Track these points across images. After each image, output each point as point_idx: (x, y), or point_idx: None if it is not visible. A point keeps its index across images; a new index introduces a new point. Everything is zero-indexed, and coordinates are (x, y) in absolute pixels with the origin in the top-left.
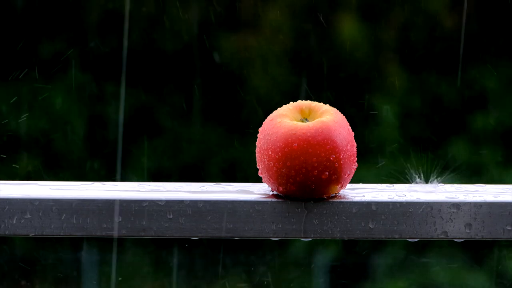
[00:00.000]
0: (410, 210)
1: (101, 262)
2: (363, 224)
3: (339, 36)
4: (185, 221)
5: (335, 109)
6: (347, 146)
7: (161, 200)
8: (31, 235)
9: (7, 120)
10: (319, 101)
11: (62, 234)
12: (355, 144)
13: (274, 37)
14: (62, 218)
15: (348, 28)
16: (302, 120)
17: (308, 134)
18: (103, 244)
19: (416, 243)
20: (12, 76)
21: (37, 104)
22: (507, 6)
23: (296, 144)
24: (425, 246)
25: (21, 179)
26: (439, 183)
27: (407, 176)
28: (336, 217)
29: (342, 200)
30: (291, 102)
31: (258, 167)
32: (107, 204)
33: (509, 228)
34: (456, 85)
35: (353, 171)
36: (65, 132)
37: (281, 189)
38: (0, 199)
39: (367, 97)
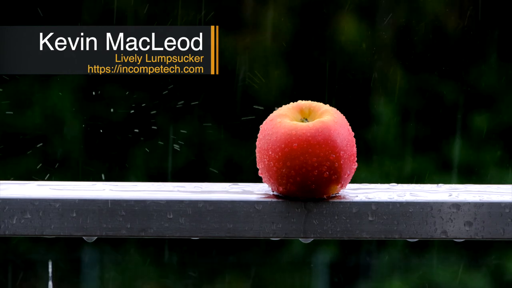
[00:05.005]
0: (410, 210)
1: (101, 262)
2: (363, 224)
3: (339, 36)
4: (185, 221)
5: (335, 109)
6: (347, 146)
7: (161, 200)
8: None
9: (6, 120)
10: (319, 101)
11: (62, 234)
12: (355, 144)
13: (274, 37)
14: (62, 218)
15: (348, 28)
16: (302, 120)
17: (308, 134)
18: (103, 244)
19: (416, 243)
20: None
21: (36, 104)
22: (507, 5)
23: (296, 144)
24: (425, 246)
25: (21, 179)
26: None
27: None
28: (336, 217)
29: (342, 200)
30: (291, 102)
31: (258, 167)
32: (107, 204)
33: (509, 228)
34: (456, 85)
35: (353, 171)
36: (64, 132)
37: (281, 189)
38: (0, 199)
39: (367, 97)
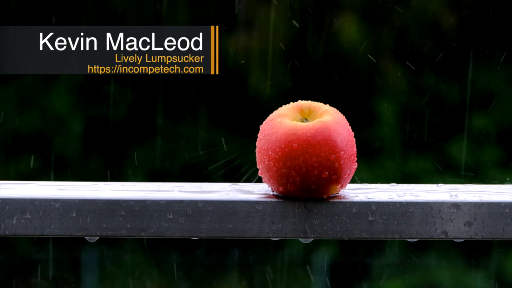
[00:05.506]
0: (410, 210)
1: (101, 262)
2: (363, 224)
3: (339, 36)
4: (185, 221)
5: (335, 109)
6: (347, 146)
7: (161, 200)
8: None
9: (6, 120)
10: (319, 101)
11: (62, 234)
12: (355, 144)
13: (274, 37)
14: (62, 218)
15: (348, 28)
16: (302, 120)
17: (308, 134)
18: (103, 244)
19: (416, 243)
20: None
21: (37, 104)
22: (507, 5)
23: (296, 144)
24: (425, 246)
25: (21, 179)
26: None
27: None
28: (336, 217)
29: (342, 200)
30: (291, 102)
31: (258, 167)
32: (107, 204)
33: (509, 228)
34: (456, 85)
35: (353, 171)
36: (64, 132)
37: (281, 189)
38: (0, 199)
39: (367, 97)
